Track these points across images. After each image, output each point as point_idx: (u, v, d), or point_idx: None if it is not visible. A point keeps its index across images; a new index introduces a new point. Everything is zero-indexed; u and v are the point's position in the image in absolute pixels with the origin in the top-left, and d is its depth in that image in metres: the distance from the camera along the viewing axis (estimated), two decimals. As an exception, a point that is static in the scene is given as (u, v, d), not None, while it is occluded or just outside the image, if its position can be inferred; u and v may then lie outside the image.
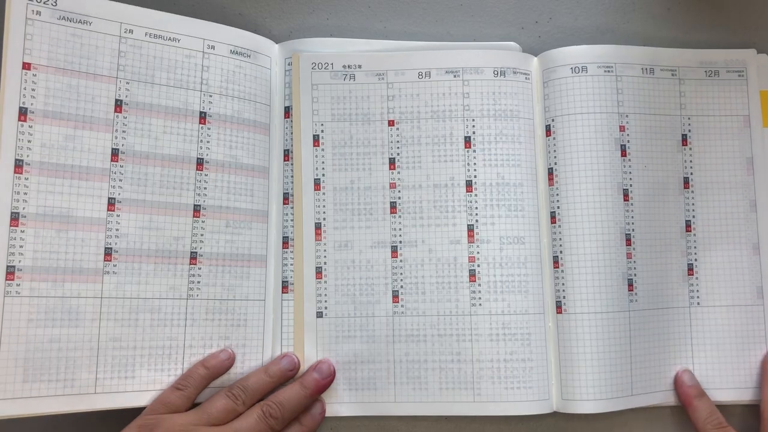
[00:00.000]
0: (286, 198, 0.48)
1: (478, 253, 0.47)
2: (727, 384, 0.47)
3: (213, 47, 0.47)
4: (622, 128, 0.48)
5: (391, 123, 0.48)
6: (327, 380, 0.45)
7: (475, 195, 0.48)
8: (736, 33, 0.52)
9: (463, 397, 0.46)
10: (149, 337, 0.42)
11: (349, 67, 0.49)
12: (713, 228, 0.49)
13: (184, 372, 0.43)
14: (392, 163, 0.48)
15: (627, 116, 0.48)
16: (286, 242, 0.48)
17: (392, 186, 0.48)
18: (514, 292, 0.47)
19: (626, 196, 0.47)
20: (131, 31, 0.45)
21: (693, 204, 0.49)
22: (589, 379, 0.45)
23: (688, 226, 0.48)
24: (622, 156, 0.48)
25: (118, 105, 0.44)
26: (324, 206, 0.48)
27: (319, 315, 0.47)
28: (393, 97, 0.49)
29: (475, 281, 0.47)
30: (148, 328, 0.42)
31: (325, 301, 0.47)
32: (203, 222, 0.45)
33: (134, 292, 0.42)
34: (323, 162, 0.48)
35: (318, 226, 0.48)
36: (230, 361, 0.45)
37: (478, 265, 0.47)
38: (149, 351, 0.42)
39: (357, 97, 0.49)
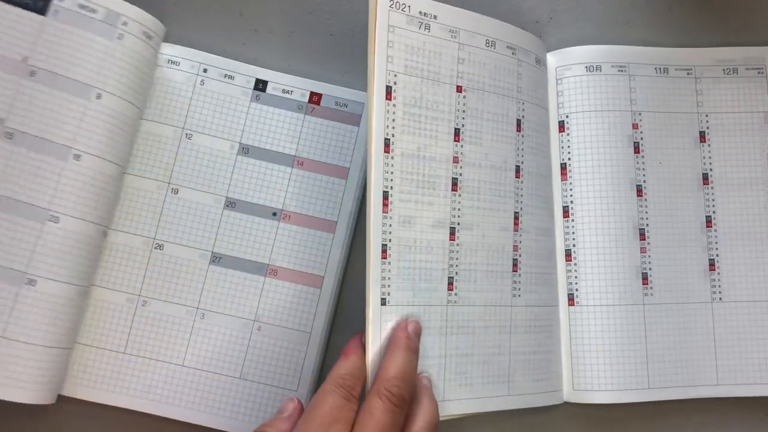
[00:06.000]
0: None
1: (520, 242, 0.45)
2: (750, 379, 0.48)
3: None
4: (635, 126, 0.49)
5: (459, 89, 0.43)
6: (419, 337, 0.41)
7: (522, 182, 0.46)
8: (738, 31, 0.52)
9: (499, 390, 0.44)
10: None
11: (425, 15, 0.42)
12: (734, 224, 0.50)
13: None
14: (457, 134, 0.43)
15: (640, 114, 0.49)
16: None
17: (455, 160, 0.43)
18: (543, 283, 0.46)
19: (640, 191, 0.49)
20: None
21: (713, 200, 0.50)
22: (600, 369, 0.47)
23: (708, 221, 0.50)
24: (635, 153, 0.49)
25: None
26: (392, 173, 0.40)
27: (383, 302, 0.39)
28: (463, 60, 0.43)
29: (516, 271, 0.45)
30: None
31: (389, 286, 0.39)
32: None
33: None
34: (394, 120, 0.40)
35: (385, 196, 0.40)
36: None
37: (520, 255, 0.45)
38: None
39: (430, 52, 0.42)
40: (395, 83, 0.41)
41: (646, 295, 0.49)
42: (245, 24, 0.49)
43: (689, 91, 0.51)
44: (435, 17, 0.42)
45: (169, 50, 0.48)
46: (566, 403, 0.47)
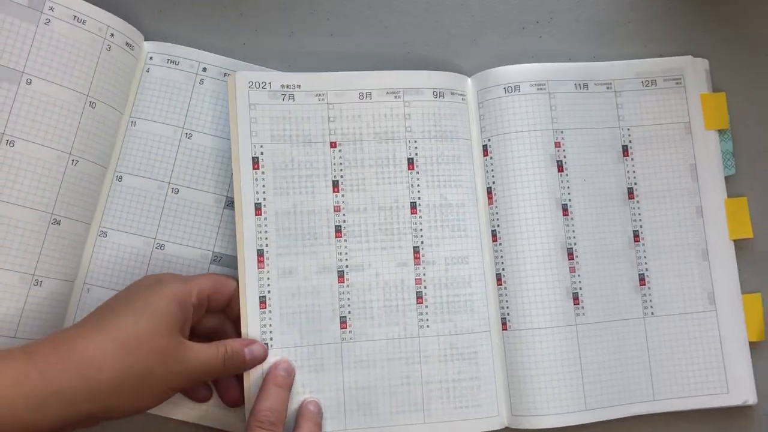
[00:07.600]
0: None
1: (424, 275, 0.47)
2: (685, 392, 0.47)
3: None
4: (557, 144, 0.48)
5: (333, 145, 0.47)
6: (293, 375, 0.45)
7: (420, 217, 0.47)
8: (738, 31, 0.52)
9: (413, 419, 0.46)
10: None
11: (287, 87, 0.47)
12: (662, 237, 0.49)
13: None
14: (336, 185, 0.47)
15: (562, 132, 0.49)
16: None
17: (336, 209, 0.47)
18: (461, 311, 0.47)
19: (565, 210, 0.48)
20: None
21: (639, 214, 0.49)
22: (537, 394, 0.46)
23: (636, 236, 0.49)
24: (559, 171, 0.48)
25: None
26: (266, 232, 0.46)
27: (266, 347, 0.45)
28: (334, 118, 0.47)
29: (422, 303, 0.47)
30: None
31: (270, 332, 0.45)
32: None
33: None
34: (264, 186, 0.46)
35: (260, 253, 0.46)
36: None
37: (425, 287, 0.47)
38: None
39: (297, 118, 0.47)
40: (262, 153, 0.46)
41: (578, 315, 0.47)
42: (245, 24, 0.50)
43: (610, 105, 0.50)
44: (298, 86, 0.47)
45: (168, 50, 0.49)
46: (508, 429, 0.47)
